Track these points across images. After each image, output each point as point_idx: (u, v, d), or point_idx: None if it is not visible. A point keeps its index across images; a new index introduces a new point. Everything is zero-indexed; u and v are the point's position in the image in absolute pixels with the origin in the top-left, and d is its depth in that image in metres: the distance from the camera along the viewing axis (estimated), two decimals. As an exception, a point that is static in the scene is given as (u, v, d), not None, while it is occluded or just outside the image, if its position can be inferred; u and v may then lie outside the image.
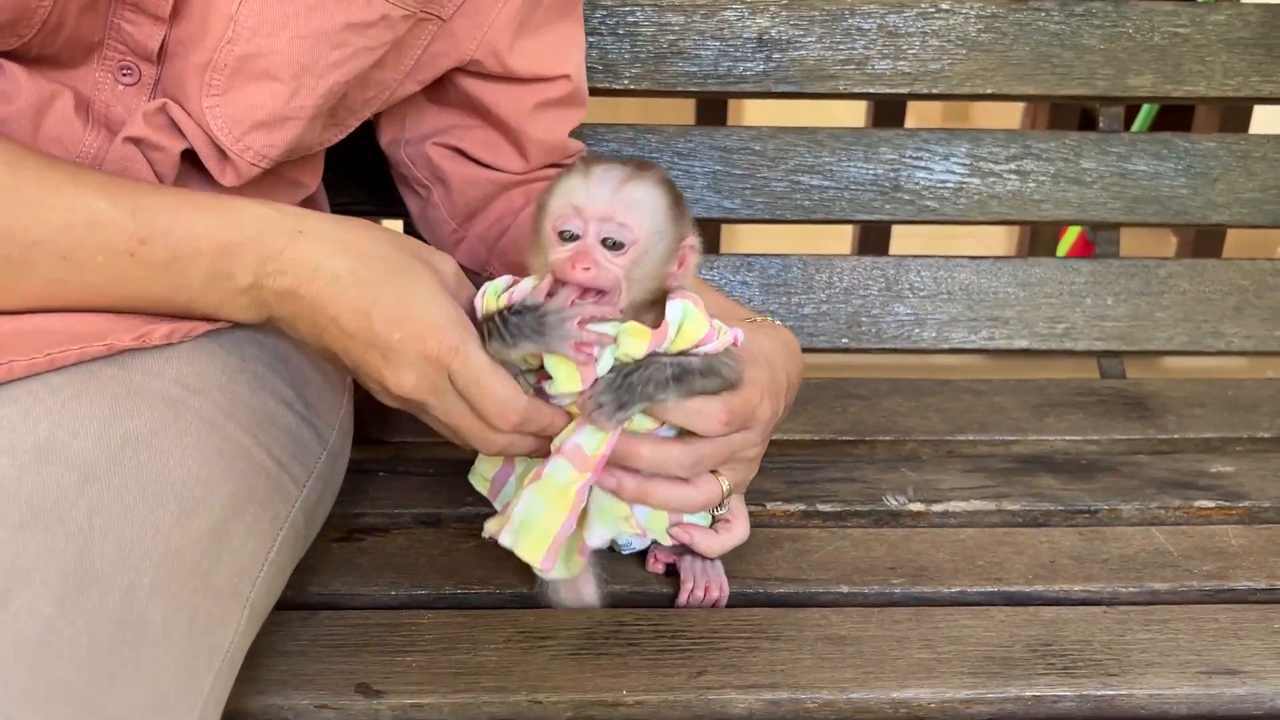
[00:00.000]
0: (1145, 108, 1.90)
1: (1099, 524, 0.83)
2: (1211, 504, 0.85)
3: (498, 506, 0.69)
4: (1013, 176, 1.04)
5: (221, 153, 0.67)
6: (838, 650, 0.66)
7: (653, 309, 0.63)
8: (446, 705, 0.61)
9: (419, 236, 0.86)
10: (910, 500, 0.84)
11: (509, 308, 0.60)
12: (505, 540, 0.62)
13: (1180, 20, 1.03)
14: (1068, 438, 0.95)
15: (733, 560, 0.75)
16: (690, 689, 0.62)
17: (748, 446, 0.67)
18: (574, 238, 0.60)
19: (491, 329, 0.60)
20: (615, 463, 0.62)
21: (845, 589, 0.73)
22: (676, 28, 1.00)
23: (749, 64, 1.01)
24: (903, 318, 1.04)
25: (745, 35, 1.01)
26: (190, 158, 0.68)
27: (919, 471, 0.88)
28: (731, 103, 1.50)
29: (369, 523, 0.79)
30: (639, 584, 0.72)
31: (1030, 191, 1.04)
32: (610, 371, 0.60)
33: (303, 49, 0.64)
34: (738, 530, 0.70)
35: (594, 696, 0.62)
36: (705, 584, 0.71)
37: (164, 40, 0.64)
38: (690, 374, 0.61)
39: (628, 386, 0.60)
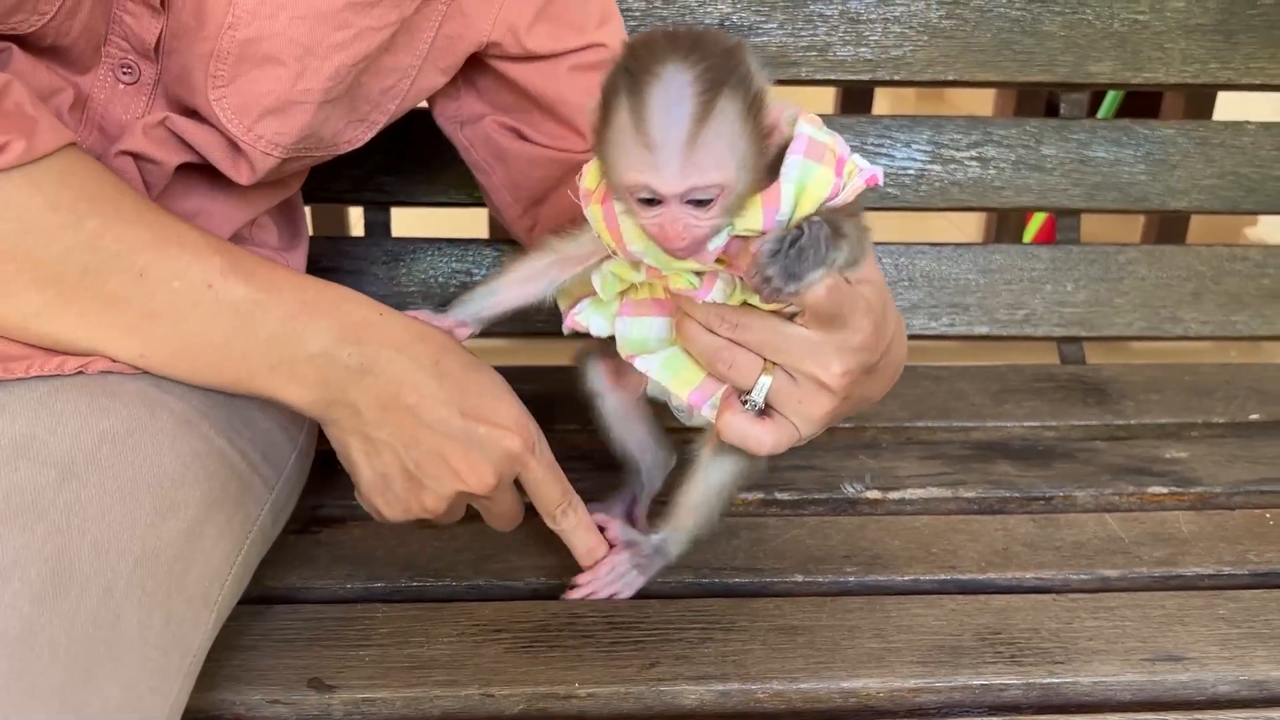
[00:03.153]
0: (1110, 94, 1.91)
1: (1054, 510, 0.84)
2: (1165, 490, 0.86)
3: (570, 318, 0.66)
4: (974, 163, 1.04)
5: (234, 147, 0.66)
6: (790, 640, 0.66)
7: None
8: (398, 700, 0.62)
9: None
10: (868, 488, 0.85)
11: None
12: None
13: (1140, 7, 1.03)
14: (1026, 424, 0.95)
15: (690, 551, 0.75)
16: (642, 681, 0.63)
17: (814, 355, 0.58)
18: (653, 200, 0.53)
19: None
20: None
21: (800, 578, 0.74)
22: (637, 13, 1.00)
23: (711, 50, 1.01)
24: (864, 304, 1.04)
25: (706, 21, 1.01)
26: (183, 171, 0.68)
27: (878, 459, 0.89)
28: None
29: (328, 514, 0.79)
30: (596, 576, 0.72)
31: (991, 178, 1.04)
32: (766, 247, 0.54)
33: (303, 30, 0.63)
34: (764, 431, 0.60)
35: (546, 689, 0.62)
36: (601, 582, 0.69)
37: (161, 35, 0.64)
38: (840, 234, 0.54)
39: (797, 253, 0.53)
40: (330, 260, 1.00)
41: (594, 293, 0.64)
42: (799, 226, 0.54)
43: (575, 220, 0.64)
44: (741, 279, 0.57)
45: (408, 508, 0.64)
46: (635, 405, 0.73)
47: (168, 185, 0.68)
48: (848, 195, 0.56)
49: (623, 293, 0.64)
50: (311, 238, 0.99)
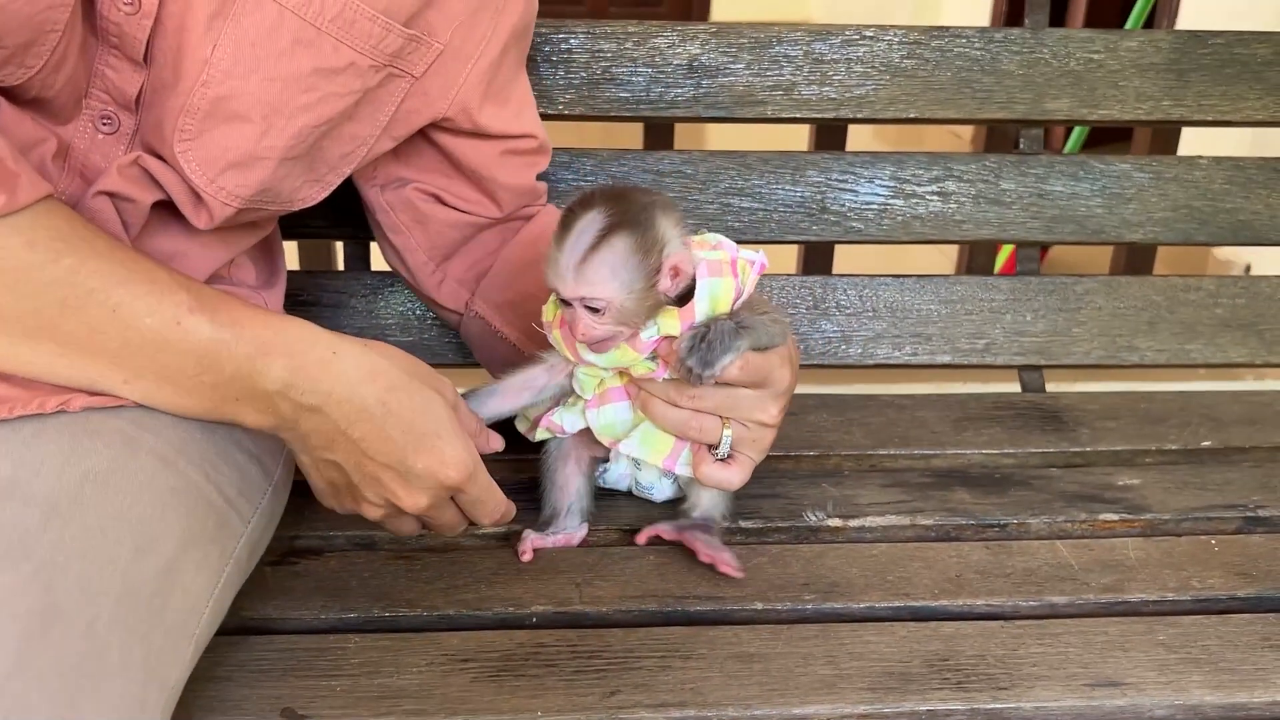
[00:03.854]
0: (1077, 130, 1.95)
1: (1008, 538, 0.87)
2: (1115, 517, 0.89)
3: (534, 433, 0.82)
4: (935, 198, 1.08)
5: (196, 196, 0.70)
6: (746, 668, 0.69)
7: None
8: (369, 728, 0.64)
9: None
10: (829, 516, 0.88)
11: None
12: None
13: (1095, 47, 1.07)
14: (985, 451, 0.98)
15: (654, 579, 0.78)
16: (602, 709, 0.66)
17: (757, 406, 0.74)
18: (567, 302, 0.70)
19: None
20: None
21: (760, 606, 0.77)
22: (609, 54, 1.03)
23: (680, 90, 1.04)
24: (830, 334, 1.08)
25: (676, 62, 1.04)
26: (159, 209, 0.71)
27: (840, 487, 0.92)
28: (689, 126, 1.53)
29: (305, 545, 0.82)
30: (562, 604, 0.75)
31: (952, 212, 1.08)
32: (684, 344, 0.71)
33: (272, 91, 0.67)
34: (734, 473, 0.76)
35: (509, 718, 0.65)
36: (710, 554, 0.78)
37: (142, 89, 0.67)
38: (749, 328, 0.71)
39: (706, 346, 0.70)
40: (311, 294, 1.03)
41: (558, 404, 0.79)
42: (705, 325, 0.71)
43: (486, 274, 0.88)
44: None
45: (351, 510, 0.71)
46: (586, 462, 0.82)
47: (146, 226, 0.71)
48: (749, 288, 0.73)
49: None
50: (293, 272, 1.03)
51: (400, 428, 0.66)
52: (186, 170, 0.68)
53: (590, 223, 0.68)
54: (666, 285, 0.71)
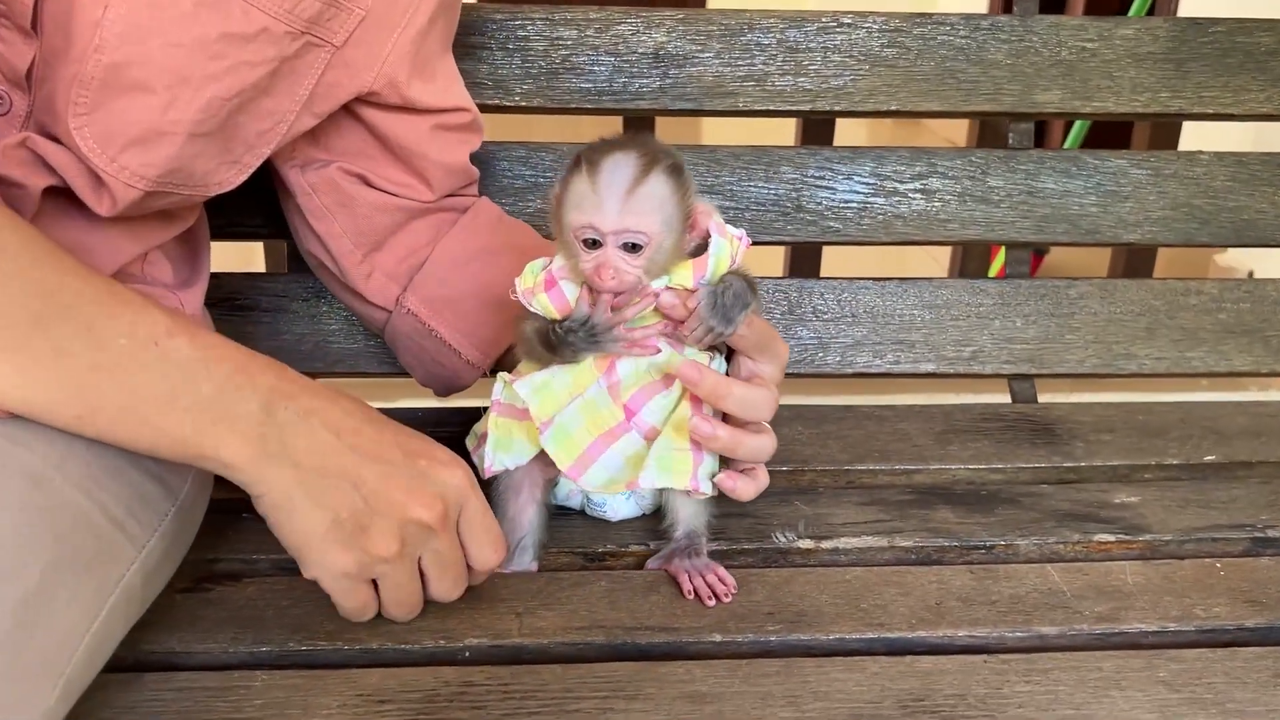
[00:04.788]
0: (1078, 124, 1.89)
1: (994, 561, 0.80)
2: (1112, 538, 0.82)
3: (478, 456, 0.75)
4: (918, 196, 1.01)
5: (96, 178, 0.64)
6: (697, 710, 0.62)
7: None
8: (267, 780, 0.57)
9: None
10: (800, 537, 0.81)
11: (560, 323, 0.68)
12: (544, 437, 0.69)
13: (1088, 34, 1.00)
14: (970, 466, 0.91)
15: (603, 608, 0.71)
16: (533, 757, 0.59)
17: (772, 399, 0.71)
18: (595, 242, 0.66)
19: (550, 340, 0.68)
20: (709, 398, 0.68)
21: (718, 638, 0.70)
22: (569, 42, 0.97)
23: (645, 80, 0.98)
24: (806, 341, 1.01)
25: (640, 50, 0.98)
26: (53, 197, 0.65)
27: (814, 504, 0.85)
28: (685, 120, 1.46)
29: (223, 569, 0.75)
30: (499, 637, 0.68)
31: (936, 211, 1.01)
32: (705, 298, 0.67)
33: (176, 58, 0.61)
34: (762, 476, 0.73)
35: (427, 768, 0.58)
36: (702, 576, 0.72)
37: (34, 63, 0.61)
38: (752, 283, 0.69)
39: (724, 305, 0.67)
40: (248, 297, 0.96)
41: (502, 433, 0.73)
42: (723, 280, 0.68)
43: (420, 269, 0.81)
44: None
45: (363, 552, 0.61)
46: (540, 488, 0.75)
47: (38, 216, 0.65)
48: (738, 258, 0.69)
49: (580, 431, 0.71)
50: (228, 274, 0.96)
51: (393, 433, 0.63)
52: (83, 148, 0.62)
53: (626, 158, 0.65)
54: (690, 236, 0.68)
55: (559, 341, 0.68)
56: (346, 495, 0.60)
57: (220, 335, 0.62)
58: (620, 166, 0.64)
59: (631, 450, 0.71)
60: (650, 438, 0.71)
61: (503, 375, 0.72)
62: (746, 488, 0.72)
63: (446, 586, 0.66)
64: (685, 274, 0.68)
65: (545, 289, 0.69)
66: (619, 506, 0.79)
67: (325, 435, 0.60)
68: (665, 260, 0.67)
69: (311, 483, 0.60)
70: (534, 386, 0.69)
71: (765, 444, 0.71)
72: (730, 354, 0.72)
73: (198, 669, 0.65)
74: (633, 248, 0.65)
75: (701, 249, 0.69)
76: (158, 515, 0.64)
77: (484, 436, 0.74)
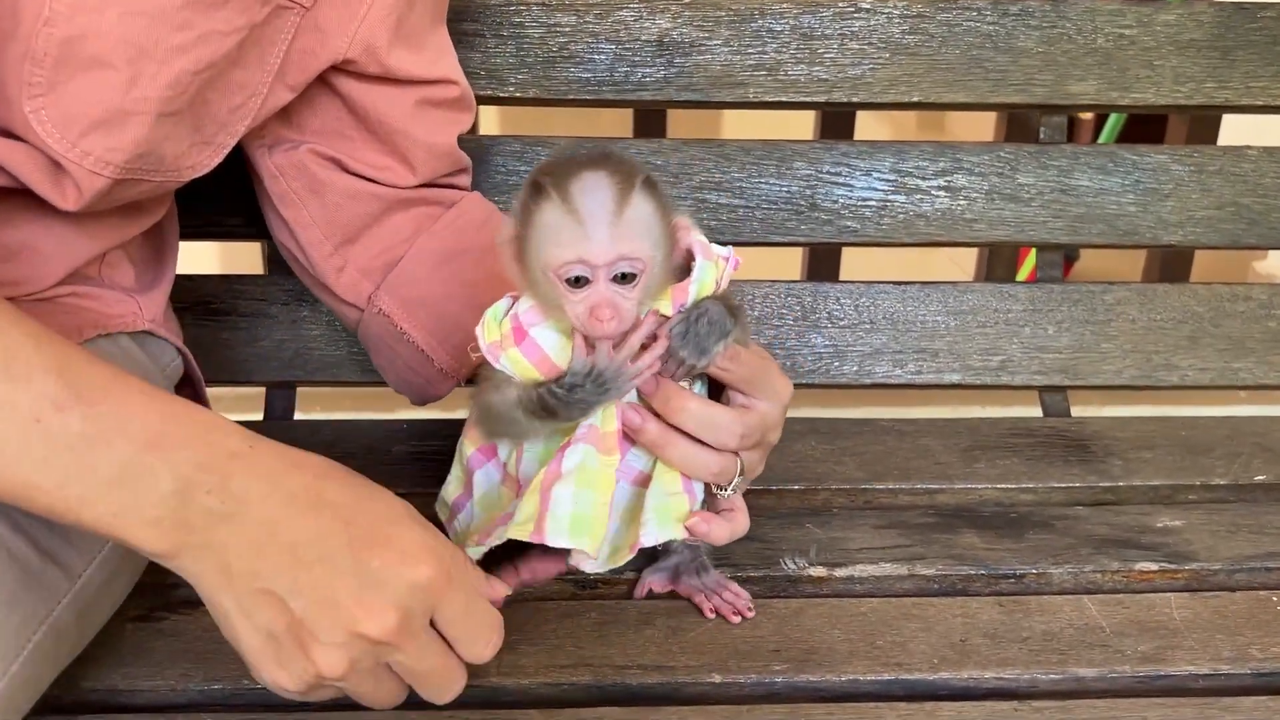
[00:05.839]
0: (1113, 117, 1.81)
1: (1024, 592, 0.73)
2: (1154, 566, 0.75)
3: (453, 530, 0.67)
4: (942, 194, 0.94)
5: (56, 169, 0.58)
6: (691, 764, 0.55)
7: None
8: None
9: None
10: (811, 563, 0.74)
11: (557, 383, 0.59)
12: (559, 541, 0.59)
13: (1126, 20, 0.93)
14: (999, 486, 0.85)
15: (591, 642, 0.65)
16: (503, 818, 0.52)
17: (775, 426, 0.65)
18: (582, 279, 0.57)
19: (550, 405, 0.59)
20: (660, 411, 0.61)
21: (718, 679, 0.63)
22: (567, 29, 0.91)
23: (648, 69, 0.92)
24: (821, 349, 0.94)
25: (644, 38, 0.91)
26: (2, 199, 0.59)
27: (827, 528, 0.78)
28: (705, 113, 1.40)
29: (181, 595, 0.68)
30: (473, 676, 0.61)
31: (961, 210, 0.94)
32: (676, 327, 0.60)
33: (137, 28, 0.56)
34: (741, 520, 0.66)
35: (382, 832, 0.51)
36: (719, 595, 0.68)
37: None
38: (734, 310, 0.61)
39: (697, 334, 0.60)
40: (225, 301, 0.90)
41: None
42: (698, 306, 0.60)
43: (396, 266, 0.73)
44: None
45: (304, 672, 0.52)
46: None
47: None
48: (724, 280, 0.62)
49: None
50: (204, 276, 0.90)
51: (343, 520, 0.51)
52: (41, 133, 0.56)
53: (600, 178, 0.56)
54: (674, 252, 0.60)
55: (561, 403, 0.58)
56: (279, 610, 0.50)
57: (145, 393, 0.51)
58: (597, 188, 0.56)
59: (624, 505, 0.63)
60: (639, 483, 0.63)
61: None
62: (719, 531, 0.64)
63: (433, 693, 0.55)
64: (664, 300, 0.60)
65: (516, 342, 0.60)
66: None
67: (255, 531, 0.50)
68: (658, 287, 0.59)
69: (241, 591, 0.50)
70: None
71: (706, 460, 0.62)
72: (721, 388, 0.64)
73: (141, 710, 0.59)
74: (624, 278, 0.57)
75: (685, 272, 0.61)
76: (97, 542, 0.58)
77: (456, 506, 0.67)
